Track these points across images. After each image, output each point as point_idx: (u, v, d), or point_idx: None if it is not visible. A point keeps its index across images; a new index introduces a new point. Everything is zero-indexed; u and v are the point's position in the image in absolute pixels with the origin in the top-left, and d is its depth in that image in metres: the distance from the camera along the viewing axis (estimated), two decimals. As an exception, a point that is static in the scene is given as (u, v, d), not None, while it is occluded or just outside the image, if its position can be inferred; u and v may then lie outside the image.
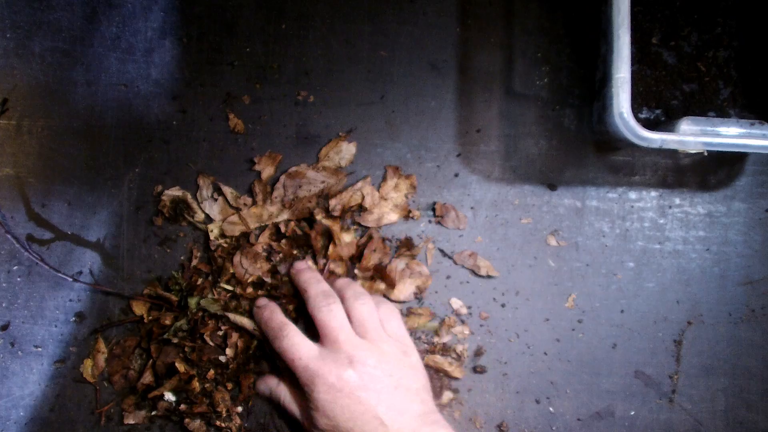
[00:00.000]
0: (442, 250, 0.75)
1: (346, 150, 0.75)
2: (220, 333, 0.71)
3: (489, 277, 0.75)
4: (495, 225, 0.75)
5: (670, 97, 0.75)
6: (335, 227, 0.73)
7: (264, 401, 0.72)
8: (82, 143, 0.74)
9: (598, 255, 0.76)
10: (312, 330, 0.67)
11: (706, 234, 0.76)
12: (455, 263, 0.75)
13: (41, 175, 0.74)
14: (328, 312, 0.64)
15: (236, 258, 0.72)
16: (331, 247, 0.72)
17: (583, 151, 0.76)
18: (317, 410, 0.61)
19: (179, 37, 0.75)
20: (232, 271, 0.72)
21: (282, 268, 0.72)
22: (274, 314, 0.68)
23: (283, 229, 0.73)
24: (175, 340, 0.71)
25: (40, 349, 0.73)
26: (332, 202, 0.73)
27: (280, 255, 0.73)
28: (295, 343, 0.64)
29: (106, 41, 0.75)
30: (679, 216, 0.76)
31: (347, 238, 0.73)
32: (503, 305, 0.75)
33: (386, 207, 0.74)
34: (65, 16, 0.75)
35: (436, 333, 0.74)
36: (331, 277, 0.72)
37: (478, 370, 0.74)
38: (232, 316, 0.70)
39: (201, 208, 0.74)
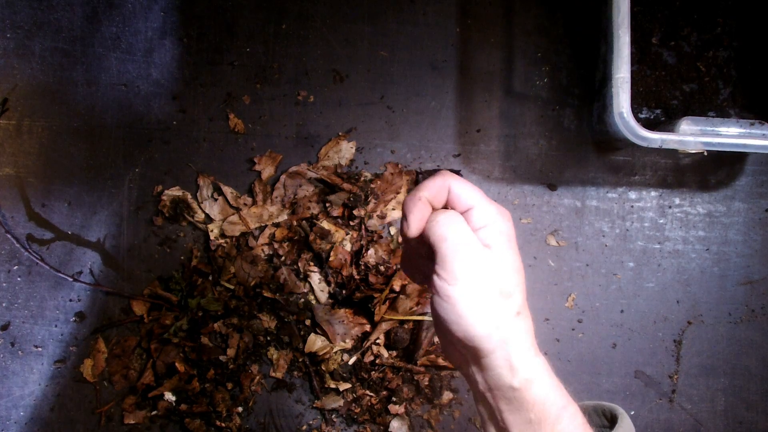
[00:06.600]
0: (442, 250, 0.75)
1: (346, 149, 0.75)
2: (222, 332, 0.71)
3: (489, 277, 0.75)
4: (495, 225, 0.75)
5: (670, 97, 0.75)
6: (335, 227, 0.73)
7: (264, 401, 0.72)
8: (82, 143, 0.74)
9: (598, 255, 0.76)
10: None
11: (706, 234, 0.76)
12: (455, 263, 0.75)
13: (41, 175, 0.74)
14: None
15: (237, 262, 0.72)
16: (332, 249, 0.72)
17: (583, 151, 0.76)
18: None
19: (179, 37, 0.75)
20: (232, 270, 0.72)
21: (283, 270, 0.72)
22: None
23: (283, 230, 0.73)
24: (175, 340, 0.71)
25: (40, 349, 0.73)
26: (332, 201, 0.73)
27: (282, 258, 0.73)
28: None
29: (106, 41, 0.75)
30: (679, 216, 0.76)
31: (346, 239, 0.73)
32: (503, 305, 0.75)
33: (388, 205, 0.74)
34: (65, 16, 0.75)
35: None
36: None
37: (478, 370, 0.74)
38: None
39: (201, 208, 0.74)
